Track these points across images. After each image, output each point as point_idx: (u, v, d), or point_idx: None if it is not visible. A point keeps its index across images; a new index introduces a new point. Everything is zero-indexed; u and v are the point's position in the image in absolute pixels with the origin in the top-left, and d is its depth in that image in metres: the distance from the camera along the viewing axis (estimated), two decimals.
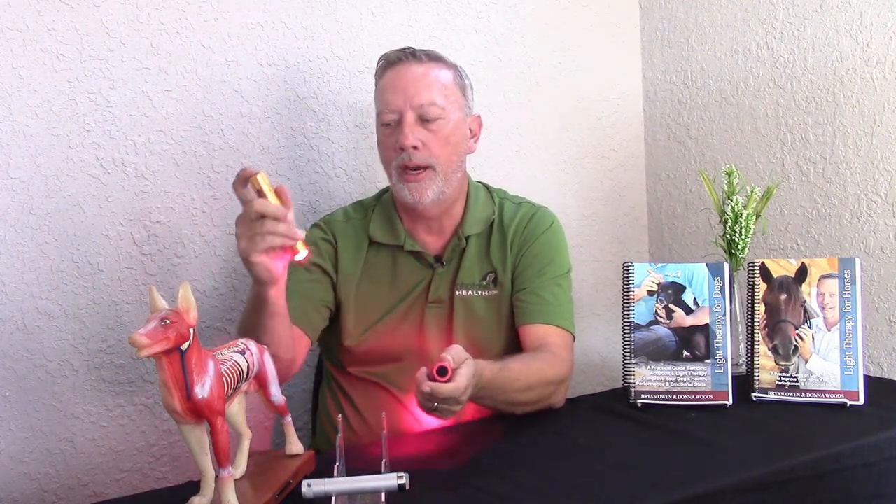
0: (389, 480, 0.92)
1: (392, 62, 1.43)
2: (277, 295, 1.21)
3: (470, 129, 1.48)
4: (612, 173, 2.15)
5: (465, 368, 1.12)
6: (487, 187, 1.56)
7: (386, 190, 1.52)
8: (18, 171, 1.43)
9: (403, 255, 1.46)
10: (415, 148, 1.37)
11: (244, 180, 1.15)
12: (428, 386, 1.09)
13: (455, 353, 1.13)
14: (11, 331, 1.43)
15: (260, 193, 1.14)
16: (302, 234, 1.16)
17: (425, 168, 1.38)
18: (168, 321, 0.86)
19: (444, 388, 1.09)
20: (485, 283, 1.47)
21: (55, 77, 1.45)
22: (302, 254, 1.17)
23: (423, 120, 1.38)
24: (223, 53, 1.61)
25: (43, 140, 1.45)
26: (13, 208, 1.43)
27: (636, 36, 2.17)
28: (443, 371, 1.09)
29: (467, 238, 1.47)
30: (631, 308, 1.42)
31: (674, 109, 2.11)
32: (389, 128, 1.40)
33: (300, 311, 1.38)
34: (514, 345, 1.46)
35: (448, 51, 1.87)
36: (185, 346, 0.87)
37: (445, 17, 1.87)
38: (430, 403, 1.11)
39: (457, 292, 1.45)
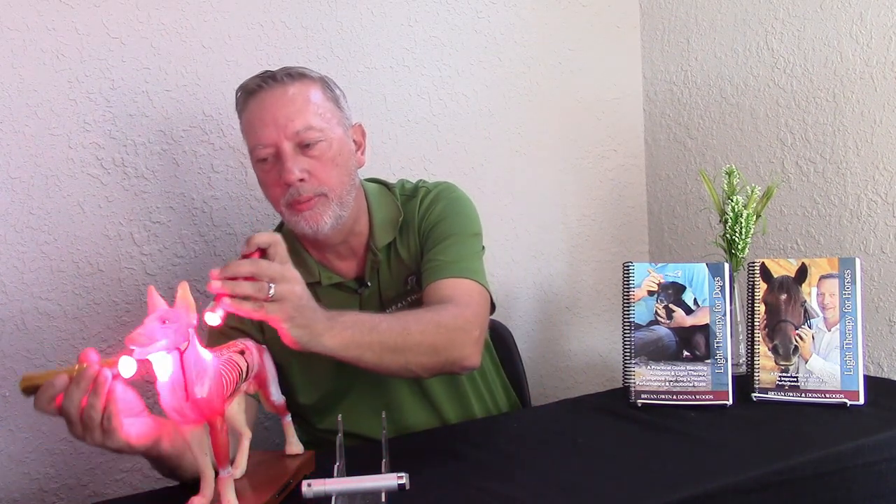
0: (389, 480, 0.92)
1: (252, 91, 1.27)
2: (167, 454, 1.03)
3: (354, 141, 1.34)
4: (612, 173, 2.15)
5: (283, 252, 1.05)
6: (386, 185, 1.44)
7: (282, 225, 1.39)
8: (18, 171, 1.43)
9: (324, 289, 1.34)
10: (301, 181, 1.23)
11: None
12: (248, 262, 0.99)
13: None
14: (11, 331, 1.43)
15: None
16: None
17: (316, 196, 1.26)
18: (167, 321, 0.86)
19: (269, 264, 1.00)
20: (409, 287, 1.37)
21: (55, 77, 1.45)
22: None
23: (303, 146, 1.24)
24: (223, 53, 1.61)
25: (43, 140, 1.45)
26: (13, 208, 1.43)
27: (636, 36, 2.17)
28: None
29: (381, 250, 1.36)
30: (631, 308, 1.42)
31: (674, 109, 2.10)
32: (267, 163, 1.26)
33: None
34: None
35: (448, 50, 1.88)
36: (184, 346, 0.87)
37: (445, 17, 1.87)
38: (262, 290, 0.98)
39: (387, 309, 1.35)
